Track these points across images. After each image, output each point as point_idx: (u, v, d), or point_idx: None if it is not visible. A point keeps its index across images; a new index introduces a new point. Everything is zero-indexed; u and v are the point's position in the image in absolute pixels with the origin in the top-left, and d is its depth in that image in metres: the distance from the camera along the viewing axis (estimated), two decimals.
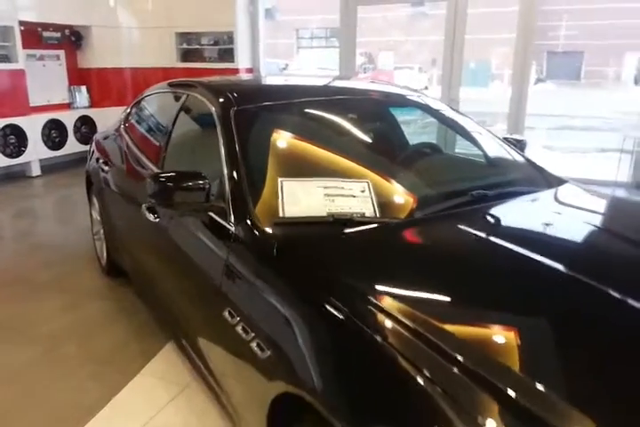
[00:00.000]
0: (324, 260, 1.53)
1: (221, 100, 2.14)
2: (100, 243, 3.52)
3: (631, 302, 1.31)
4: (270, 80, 3.34)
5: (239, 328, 1.50)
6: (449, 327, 1.20)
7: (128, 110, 3.27)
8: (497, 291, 1.40)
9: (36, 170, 6.51)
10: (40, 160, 6.54)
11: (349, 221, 1.66)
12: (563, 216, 1.89)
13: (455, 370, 1.08)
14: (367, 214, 1.71)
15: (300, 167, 1.95)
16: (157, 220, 2.19)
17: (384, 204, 1.78)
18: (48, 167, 6.70)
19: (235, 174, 1.80)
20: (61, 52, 6.89)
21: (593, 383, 1.08)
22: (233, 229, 1.69)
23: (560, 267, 1.46)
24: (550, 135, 10.31)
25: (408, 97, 2.55)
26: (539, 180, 2.16)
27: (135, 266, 2.74)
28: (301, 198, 1.74)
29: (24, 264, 3.84)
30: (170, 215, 2.14)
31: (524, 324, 1.26)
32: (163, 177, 1.78)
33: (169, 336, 2.71)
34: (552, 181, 2.17)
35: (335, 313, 1.27)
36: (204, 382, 2.04)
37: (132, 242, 2.71)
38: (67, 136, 6.80)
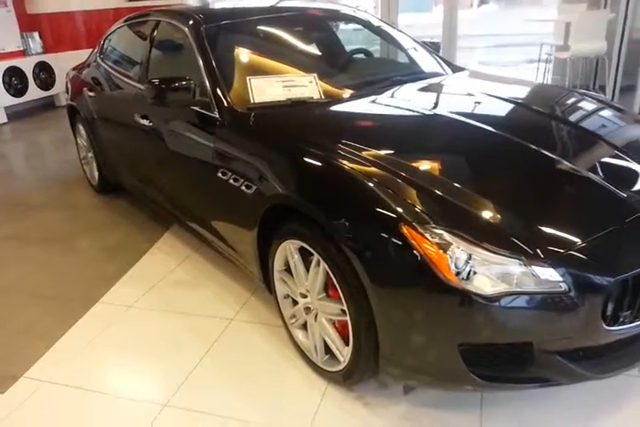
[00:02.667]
0: (290, 125, 2.15)
1: (191, 22, 2.64)
2: (89, 166, 4.03)
3: (516, 138, 1.96)
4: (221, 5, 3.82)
5: (231, 180, 2.12)
6: (390, 154, 1.83)
7: (101, 43, 3.70)
8: (423, 132, 2.09)
9: (2, 117, 6.77)
10: (5, 108, 6.79)
11: (303, 102, 2.27)
12: (463, 86, 2.62)
13: (397, 179, 1.68)
14: (315, 98, 2.31)
15: (262, 68, 2.50)
16: (150, 124, 2.74)
17: (326, 90, 2.38)
18: (13, 115, 6.97)
19: (212, 76, 2.36)
20: None
21: (491, 184, 1.74)
22: (217, 115, 2.27)
23: (458, 115, 2.14)
24: (488, 52, 10.98)
25: (345, 12, 3.13)
26: (445, 68, 2.86)
27: (133, 173, 3.28)
28: (266, 90, 2.31)
29: (16, 193, 4.32)
30: (160, 120, 2.68)
31: (447, 152, 1.94)
32: (156, 81, 2.32)
33: (169, 225, 3.34)
34: (456, 69, 2.88)
35: (307, 152, 1.89)
36: (206, 245, 2.69)
37: (127, 152, 3.24)
38: (27, 83, 7.02)
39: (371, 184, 1.67)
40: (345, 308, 1.70)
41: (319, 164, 1.85)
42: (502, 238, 1.50)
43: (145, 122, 2.77)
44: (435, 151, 1.94)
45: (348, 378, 1.83)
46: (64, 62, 7.15)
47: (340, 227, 1.65)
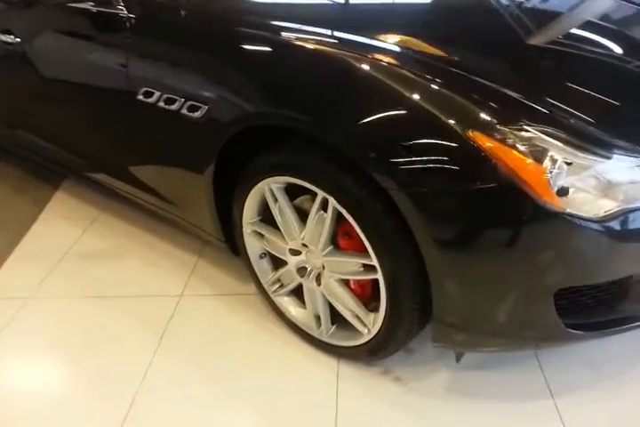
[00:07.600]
0: (245, 10, 1.59)
1: None
2: None
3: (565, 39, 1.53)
4: None
5: (161, 103, 1.48)
6: (402, 38, 1.34)
7: None
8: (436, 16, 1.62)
9: None
10: None
11: None
12: None
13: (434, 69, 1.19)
14: None
15: None
16: (18, 40, 1.95)
17: None
18: None
19: None
20: None
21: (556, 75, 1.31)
22: (125, 11, 1.57)
23: None
24: None
25: None
26: None
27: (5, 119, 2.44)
28: None
29: None
30: (34, 33, 1.91)
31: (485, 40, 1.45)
32: None
33: (59, 181, 2.56)
34: None
35: (289, 43, 1.32)
36: (121, 201, 2.03)
37: None
38: None
39: (407, 72, 1.14)
40: (373, 261, 1.21)
41: (310, 55, 1.28)
42: (604, 140, 1.07)
43: (8, 38, 1.97)
44: (465, 39, 1.41)
45: (375, 353, 1.37)
46: None
47: (365, 145, 1.12)
